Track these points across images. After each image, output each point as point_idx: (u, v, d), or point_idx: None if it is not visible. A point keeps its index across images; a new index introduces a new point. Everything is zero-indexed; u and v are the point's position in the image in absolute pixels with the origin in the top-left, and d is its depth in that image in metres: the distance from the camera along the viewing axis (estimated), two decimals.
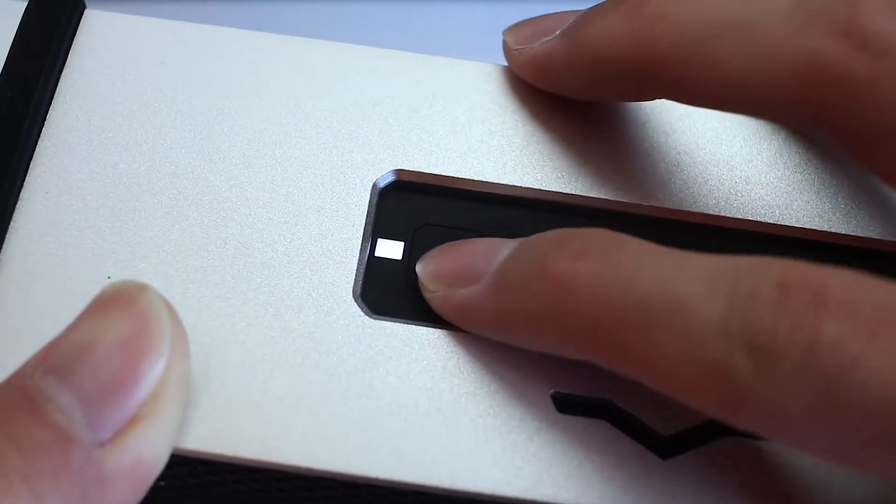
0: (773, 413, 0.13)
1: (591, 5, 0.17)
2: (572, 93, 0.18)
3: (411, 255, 0.18)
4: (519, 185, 0.18)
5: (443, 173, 0.18)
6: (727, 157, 0.19)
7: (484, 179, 0.18)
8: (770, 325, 0.12)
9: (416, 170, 0.18)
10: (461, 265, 0.17)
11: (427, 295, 0.17)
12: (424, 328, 0.17)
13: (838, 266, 0.13)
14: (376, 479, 0.16)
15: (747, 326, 0.13)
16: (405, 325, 0.17)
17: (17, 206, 0.17)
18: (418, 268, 0.17)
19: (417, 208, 0.18)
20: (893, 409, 0.12)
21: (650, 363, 0.14)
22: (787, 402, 0.12)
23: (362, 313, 0.17)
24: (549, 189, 0.18)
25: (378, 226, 0.18)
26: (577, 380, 0.16)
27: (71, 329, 0.15)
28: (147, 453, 0.15)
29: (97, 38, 0.19)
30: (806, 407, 0.12)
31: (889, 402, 0.12)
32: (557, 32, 0.18)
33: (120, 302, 0.15)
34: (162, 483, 0.16)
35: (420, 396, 0.16)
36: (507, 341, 0.16)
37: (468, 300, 0.16)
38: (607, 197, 0.18)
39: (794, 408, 0.12)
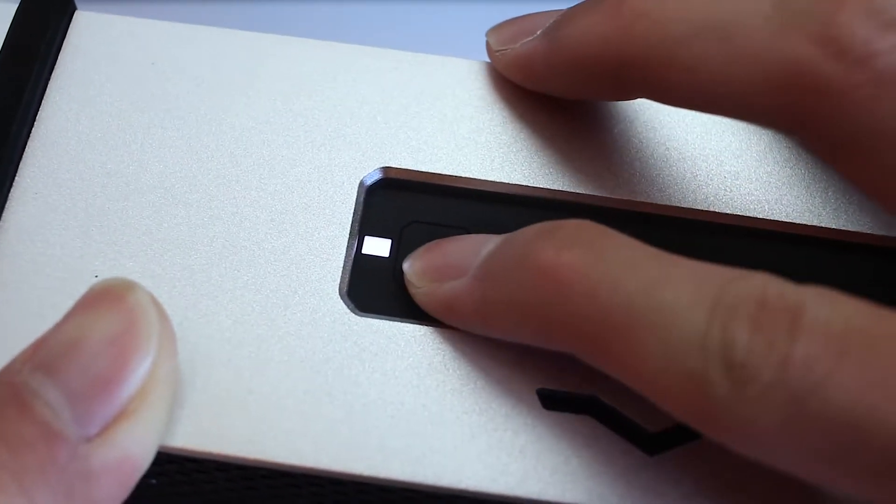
0: (744, 429, 0.13)
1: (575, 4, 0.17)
2: (555, 92, 0.18)
3: (398, 252, 0.18)
4: (507, 181, 0.18)
5: (430, 170, 0.18)
6: (716, 153, 0.19)
7: (471, 176, 0.18)
8: (747, 342, 0.13)
9: (403, 167, 0.18)
10: (447, 261, 0.17)
11: (413, 291, 0.17)
12: (410, 325, 0.17)
13: (817, 286, 0.13)
14: (361, 476, 0.16)
15: (725, 342, 0.13)
16: (391, 323, 0.17)
17: (6, 205, 0.18)
18: (405, 265, 0.17)
19: (405, 206, 0.18)
20: (857, 426, 0.12)
21: (629, 365, 0.14)
22: (758, 420, 0.12)
23: (348, 311, 0.17)
24: (537, 186, 0.18)
25: (365, 223, 0.18)
26: (563, 376, 0.16)
27: (59, 326, 0.15)
28: (134, 449, 0.15)
29: (87, 39, 0.19)
30: (775, 425, 0.12)
31: (853, 419, 0.12)
32: (539, 32, 0.18)
33: (108, 299, 0.15)
34: (152, 481, 0.16)
35: (406, 393, 0.16)
36: (490, 334, 0.16)
37: (453, 293, 0.16)
38: (596, 193, 0.18)
39: (764, 425, 0.12)
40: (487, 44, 0.19)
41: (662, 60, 0.15)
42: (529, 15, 0.18)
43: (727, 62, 0.15)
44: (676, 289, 0.13)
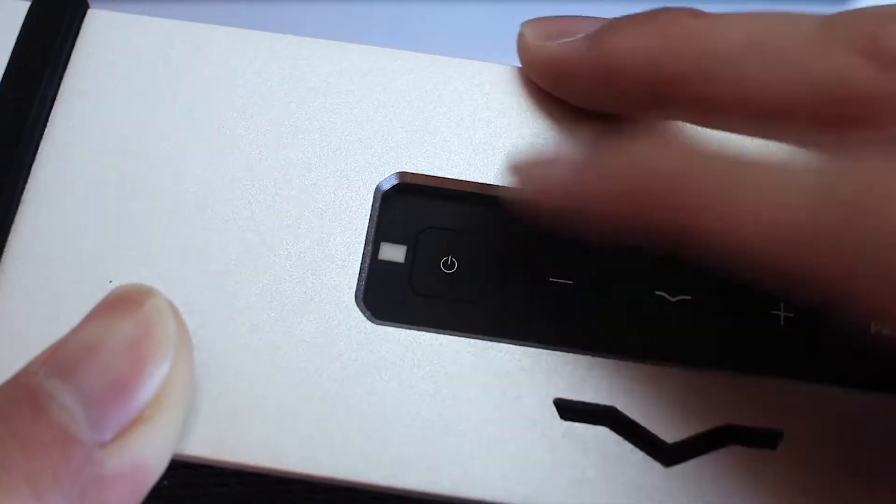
0: None
1: (598, 5, 0.17)
2: (582, 100, 0.18)
3: (414, 258, 0.18)
4: None
5: (446, 176, 0.18)
6: None
7: (488, 182, 0.18)
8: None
9: (419, 172, 0.18)
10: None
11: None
12: (427, 333, 0.17)
13: None
14: (378, 486, 0.15)
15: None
16: (407, 331, 0.17)
17: (19, 208, 0.17)
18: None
19: (420, 211, 0.18)
20: None
21: (729, 225, 0.13)
22: None
23: (364, 318, 0.17)
24: None
25: (381, 229, 0.18)
26: (580, 387, 0.16)
27: (77, 330, 0.15)
28: (148, 456, 0.15)
29: (100, 38, 0.19)
30: None
31: None
32: (580, 35, 0.17)
33: (126, 304, 0.15)
34: (164, 482, 0.16)
35: (422, 403, 0.16)
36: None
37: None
38: None
39: None
40: (521, 35, 0.18)
41: (708, 78, 0.15)
42: (571, 17, 0.18)
43: (774, 78, 0.15)
44: (773, 167, 0.13)
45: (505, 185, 0.18)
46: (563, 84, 0.18)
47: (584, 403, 0.16)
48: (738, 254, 0.13)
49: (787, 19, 0.15)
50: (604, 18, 0.17)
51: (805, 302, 0.14)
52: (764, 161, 0.14)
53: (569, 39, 0.18)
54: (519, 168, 0.17)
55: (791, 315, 0.17)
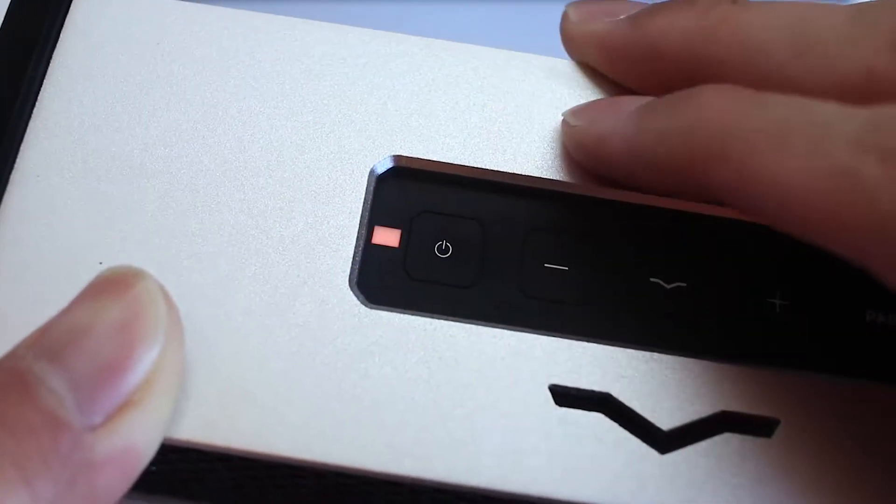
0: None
1: None
2: (621, 77, 0.18)
3: (408, 243, 0.18)
4: (519, 172, 0.18)
5: (442, 160, 0.18)
6: None
7: (483, 167, 0.18)
8: None
9: (414, 156, 0.18)
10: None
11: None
12: (421, 318, 0.17)
13: None
14: (370, 472, 0.15)
15: (881, 139, 0.13)
16: (402, 315, 0.16)
17: (7, 189, 0.17)
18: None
19: (415, 195, 0.18)
20: None
21: (776, 171, 0.14)
22: None
23: (358, 302, 0.17)
24: (550, 177, 0.18)
25: (375, 213, 0.18)
26: (575, 373, 0.16)
27: (65, 312, 0.15)
28: (138, 440, 0.14)
29: (90, 17, 0.19)
30: None
31: None
32: (622, 16, 0.18)
33: (116, 287, 0.15)
34: (153, 468, 0.16)
35: (416, 388, 0.16)
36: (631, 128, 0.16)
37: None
38: (608, 187, 0.18)
39: None
40: (565, 15, 0.19)
41: (739, 64, 0.16)
42: (615, 0, 0.19)
43: (803, 67, 0.15)
44: (829, 108, 0.14)
45: (567, 126, 0.18)
46: (603, 61, 0.18)
47: (579, 390, 0.16)
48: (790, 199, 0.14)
49: (820, 8, 0.16)
50: (645, 3, 0.18)
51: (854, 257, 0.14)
52: (808, 110, 0.14)
53: (611, 20, 0.18)
54: (583, 110, 0.17)
55: (787, 303, 0.17)
